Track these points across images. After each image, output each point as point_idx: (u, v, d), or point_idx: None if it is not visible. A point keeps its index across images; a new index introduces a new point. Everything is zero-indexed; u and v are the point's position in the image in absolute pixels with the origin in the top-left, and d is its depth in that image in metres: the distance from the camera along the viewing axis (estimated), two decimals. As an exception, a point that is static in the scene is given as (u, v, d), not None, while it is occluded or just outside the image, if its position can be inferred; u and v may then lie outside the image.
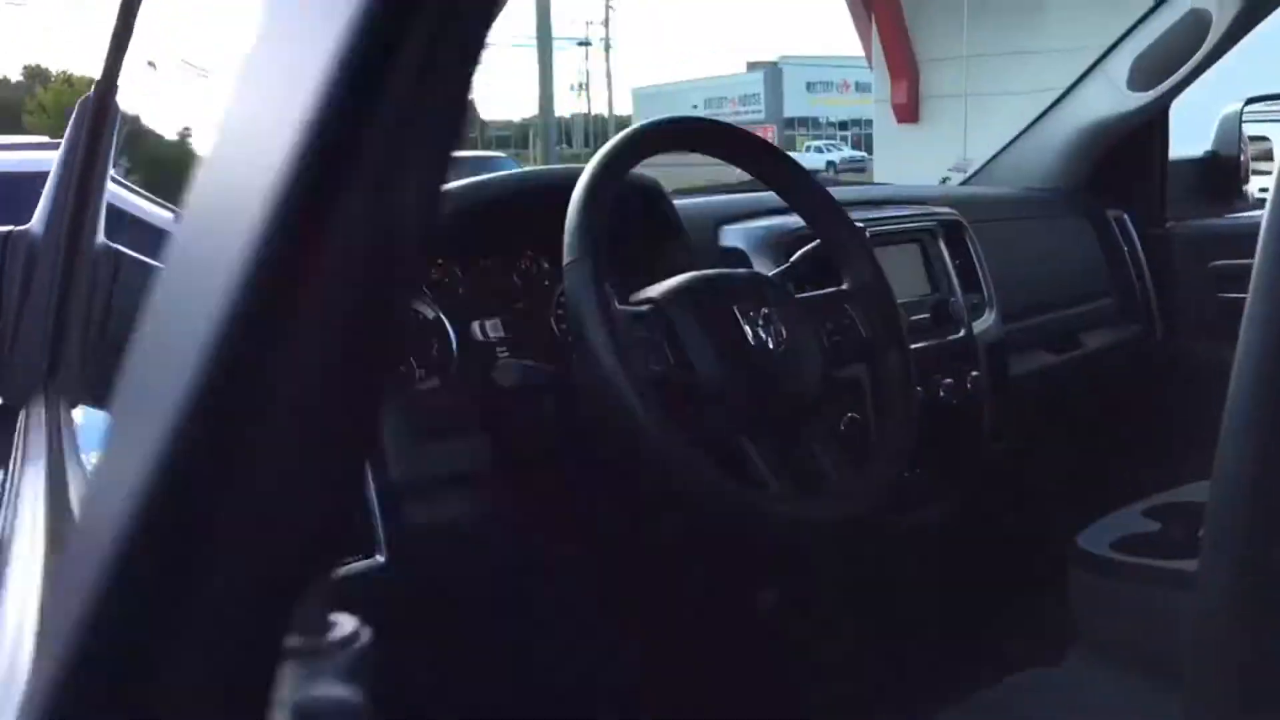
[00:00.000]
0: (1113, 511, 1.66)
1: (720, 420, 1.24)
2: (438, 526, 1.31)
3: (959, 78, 12.49)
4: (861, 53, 15.42)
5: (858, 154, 32.65)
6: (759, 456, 1.23)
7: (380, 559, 1.26)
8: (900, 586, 1.81)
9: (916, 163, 11.40)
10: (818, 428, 1.33)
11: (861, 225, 1.55)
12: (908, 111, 13.60)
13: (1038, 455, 1.94)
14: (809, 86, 41.87)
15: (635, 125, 1.34)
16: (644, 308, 1.26)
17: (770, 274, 1.48)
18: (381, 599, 1.27)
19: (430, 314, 1.43)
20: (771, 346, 1.28)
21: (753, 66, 44.95)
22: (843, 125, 40.82)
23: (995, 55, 12.18)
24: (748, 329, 1.27)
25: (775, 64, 43.10)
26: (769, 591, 1.53)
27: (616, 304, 1.24)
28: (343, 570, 1.24)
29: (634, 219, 1.46)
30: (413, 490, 1.31)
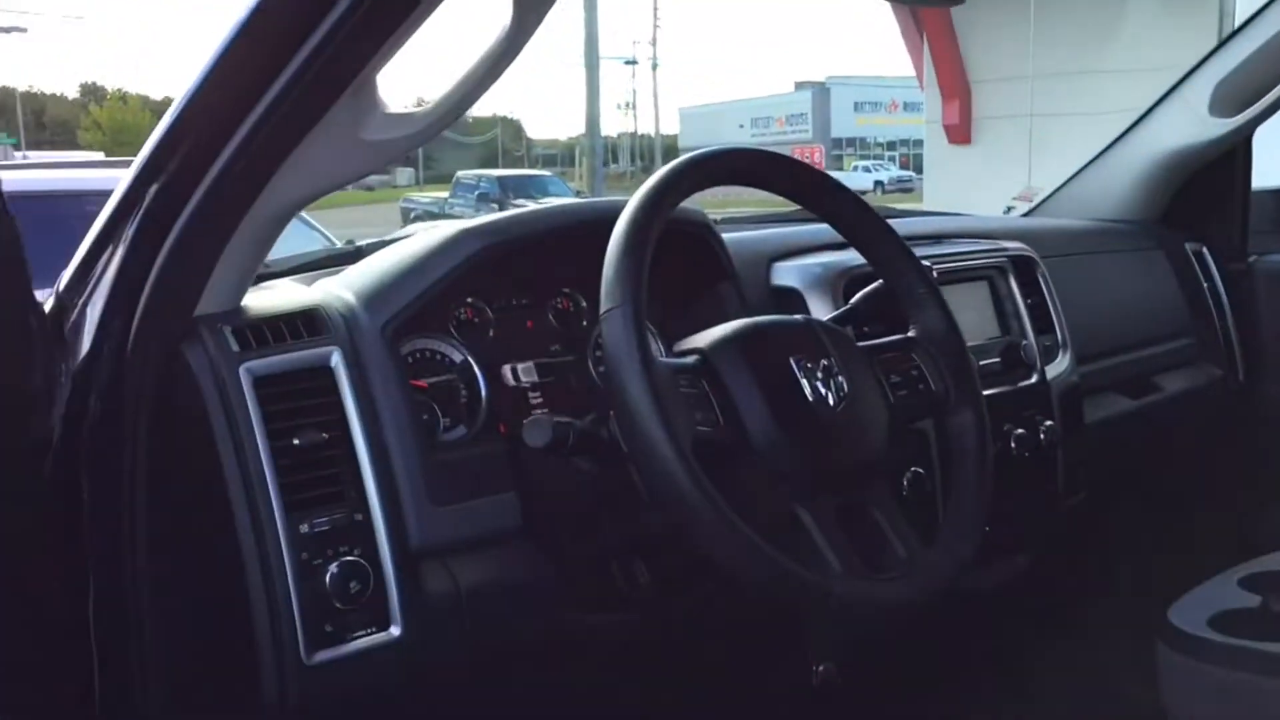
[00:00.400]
0: (1202, 579, 1.51)
1: (774, 487, 1.11)
2: (461, 595, 1.19)
3: (1012, 98, 12.27)
4: (911, 73, 15.25)
5: (905, 174, 32.41)
6: (816, 527, 1.10)
7: (395, 632, 1.14)
8: (963, 657, 1.67)
9: (969, 184, 11.20)
10: (879, 490, 1.20)
11: (926, 263, 1.42)
12: (960, 132, 13.38)
13: (1115, 512, 1.79)
14: (856, 106, 41.66)
15: (682, 158, 1.21)
16: (689, 359, 1.14)
17: (827, 317, 1.35)
18: (397, 676, 1.15)
19: (457, 357, 1.33)
20: (832, 403, 1.15)
21: (800, 86, 44.78)
22: (890, 145, 40.60)
23: (1053, 76, 11.95)
24: (805, 383, 1.14)
25: (823, 84, 42.91)
26: (825, 665, 1.40)
27: (659, 355, 1.11)
28: (353, 645, 1.12)
29: (679, 259, 1.33)
30: (433, 555, 1.19)
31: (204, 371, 1.12)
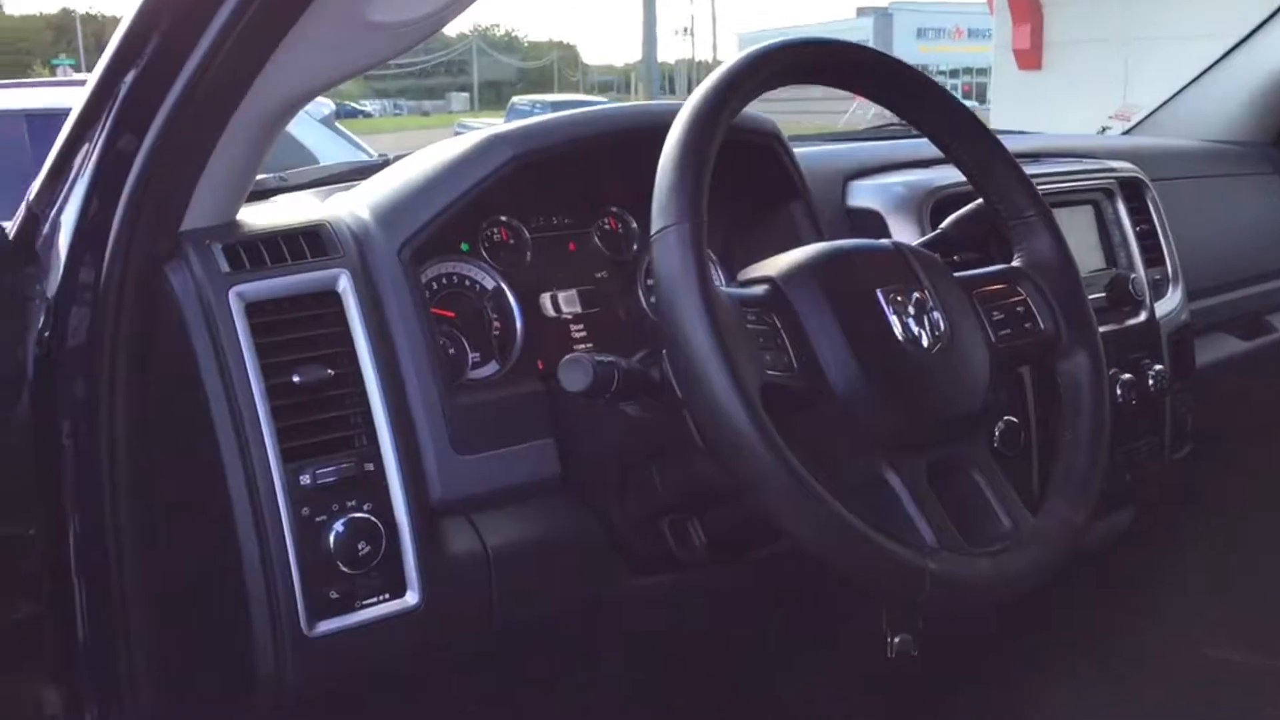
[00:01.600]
0: None
1: (857, 444, 0.94)
2: (489, 557, 1.04)
3: (1088, 21, 11.78)
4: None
5: (968, 103, 31.69)
6: (907, 492, 0.93)
7: (412, 600, 0.99)
8: (1060, 626, 1.50)
9: (1039, 112, 10.80)
10: (979, 448, 1.02)
11: (1030, 183, 1.23)
12: (1030, 58, 12.87)
13: (1229, 466, 1.61)
14: (920, 33, 40.71)
15: (750, 49, 1.02)
16: (758, 289, 0.96)
17: (915, 244, 1.16)
18: (414, 651, 1.01)
19: (489, 284, 1.17)
20: (926, 344, 0.97)
21: (862, 12, 43.86)
22: (953, 73, 39.66)
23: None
24: (895, 319, 0.97)
25: (885, 9, 41.99)
26: (901, 636, 1.24)
27: (722, 285, 0.94)
28: (362, 615, 0.97)
29: (744, 173, 1.15)
30: (457, 511, 1.04)
31: (188, 295, 0.96)
